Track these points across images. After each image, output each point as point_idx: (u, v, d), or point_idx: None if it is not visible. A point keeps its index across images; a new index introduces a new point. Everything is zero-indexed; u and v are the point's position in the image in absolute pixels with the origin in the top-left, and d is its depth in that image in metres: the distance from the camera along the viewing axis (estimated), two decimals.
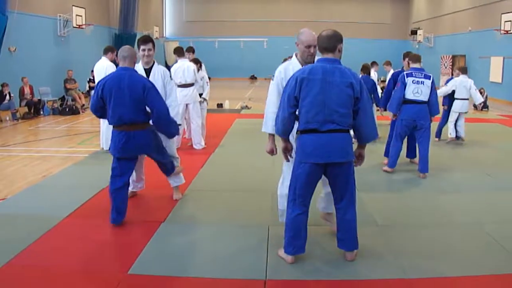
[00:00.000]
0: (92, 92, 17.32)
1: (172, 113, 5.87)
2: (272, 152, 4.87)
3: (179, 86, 9.09)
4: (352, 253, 4.44)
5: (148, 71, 6.11)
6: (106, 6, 24.14)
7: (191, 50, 10.19)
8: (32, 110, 15.44)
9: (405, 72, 7.66)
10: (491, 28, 21.41)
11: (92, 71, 12.83)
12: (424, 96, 7.47)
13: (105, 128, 9.13)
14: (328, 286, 4.05)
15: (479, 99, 10.79)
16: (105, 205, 5.71)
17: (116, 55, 9.46)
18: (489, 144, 10.55)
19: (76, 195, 6.40)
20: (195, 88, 9.55)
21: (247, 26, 35.57)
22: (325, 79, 4.08)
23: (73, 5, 19.78)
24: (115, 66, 8.63)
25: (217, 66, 31.11)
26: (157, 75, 6.10)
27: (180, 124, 6.42)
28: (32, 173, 7.95)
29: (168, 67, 7.87)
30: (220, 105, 17.59)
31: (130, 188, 5.95)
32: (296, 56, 4.83)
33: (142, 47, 6.07)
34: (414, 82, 7.46)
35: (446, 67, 26.71)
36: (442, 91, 10.46)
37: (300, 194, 4.29)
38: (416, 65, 7.67)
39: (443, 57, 27.37)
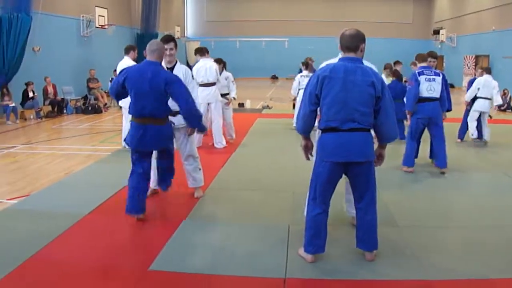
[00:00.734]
0: None
1: None
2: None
3: (201, 85, 9.12)
4: (371, 254, 4.41)
5: (170, 70, 6.11)
6: (128, 7, 24.33)
7: (206, 51, 10.14)
8: (55, 109, 15.66)
9: (417, 71, 7.73)
10: None
11: (115, 70, 12.97)
12: (436, 93, 7.61)
13: (127, 126, 9.19)
14: (347, 286, 4.04)
15: (499, 101, 10.64)
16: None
17: (138, 54, 9.60)
18: (511, 145, 10.41)
19: (98, 192, 6.47)
20: (216, 87, 9.58)
21: (268, 25, 35.57)
22: (346, 78, 4.07)
23: (95, 6, 20.01)
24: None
25: (238, 66, 31.08)
26: (179, 74, 6.11)
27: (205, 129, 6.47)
28: (55, 170, 8.05)
29: (190, 67, 7.90)
30: (241, 105, 17.63)
31: (151, 186, 5.99)
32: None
33: (164, 46, 6.08)
34: (426, 79, 7.58)
35: (469, 67, 26.38)
36: (469, 95, 10.35)
37: (321, 193, 4.28)
38: (424, 64, 7.78)
39: (466, 57, 27.04)
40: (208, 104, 9.49)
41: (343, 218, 5.28)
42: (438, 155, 7.71)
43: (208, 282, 4.10)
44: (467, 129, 10.63)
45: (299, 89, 11.39)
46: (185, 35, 35.72)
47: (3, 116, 13.91)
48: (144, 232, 5.24)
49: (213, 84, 9.44)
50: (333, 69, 4.14)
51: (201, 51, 9.56)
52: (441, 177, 7.57)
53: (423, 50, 9.01)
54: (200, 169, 6.39)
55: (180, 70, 6.16)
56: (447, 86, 7.90)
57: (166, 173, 5.80)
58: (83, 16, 19.01)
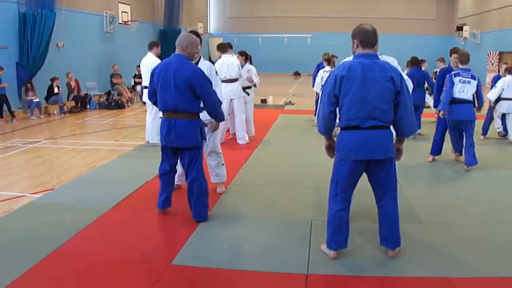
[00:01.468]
0: (137, 87, 17.64)
1: None
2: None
3: (223, 81, 9.10)
4: (394, 251, 4.39)
5: None
6: (151, 3, 24.47)
7: (229, 46, 10.13)
8: (79, 104, 15.80)
9: (453, 72, 7.75)
10: None
11: (138, 66, 13.07)
12: (469, 95, 7.64)
13: (150, 121, 9.27)
14: (370, 283, 4.01)
15: None
16: (150, 197, 5.83)
17: (161, 50, 9.63)
18: None
19: (122, 187, 6.52)
20: (239, 83, 9.58)
21: (290, 22, 35.52)
22: (364, 75, 4.00)
23: (119, 2, 20.17)
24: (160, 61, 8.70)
25: (260, 62, 30.90)
26: (203, 70, 6.09)
27: (224, 120, 6.46)
28: (79, 165, 8.13)
29: (213, 63, 7.90)
30: (264, 101, 17.62)
31: (175, 181, 6.00)
32: None
33: (196, 40, 6.03)
34: (461, 81, 7.62)
35: (492, 64, 26.05)
36: (493, 94, 10.23)
37: (342, 190, 4.25)
38: (465, 66, 7.78)
39: (490, 53, 26.73)
40: (231, 100, 9.50)
41: (366, 213, 5.26)
42: (466, 153, 7.71)
43: (230, 277, 4.11)
44: (489, 125, 10.64)
45: (322, 85, 11.33)
46: (208, 31, 35.81)
47: (28, 111, 14.10)
48: (167, 226, 5.28)
49: (235, 80, 9.43)
50: (350, 67, 4.05)
51: (223, 47, 9.52)
52: (464, 174, 7.51)
53: (447, 47, 8.97)
54: (223, 165, 6.41)
55: (204, 66, 6.12)
56: (479, 88, 7.91)
57: (194, 189, 5.29)
58: (106, 12, 19.17)
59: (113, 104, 16.61)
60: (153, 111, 9.05)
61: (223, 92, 7.84)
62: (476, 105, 7.91)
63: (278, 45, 33.62)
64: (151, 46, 9.46)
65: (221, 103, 5.53)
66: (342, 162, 4.20)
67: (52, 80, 14.74)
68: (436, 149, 8.18)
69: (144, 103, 10.30)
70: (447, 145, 8.24)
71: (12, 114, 13.36)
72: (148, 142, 9.50)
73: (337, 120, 4.26)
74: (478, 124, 10.26)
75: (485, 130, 10.64)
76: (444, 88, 7.87)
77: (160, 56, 9.04)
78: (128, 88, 18.25)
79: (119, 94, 17.60)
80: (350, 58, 4.71)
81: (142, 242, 4.82)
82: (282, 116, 14.09)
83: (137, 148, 9.47)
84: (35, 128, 12.31)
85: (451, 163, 8.16)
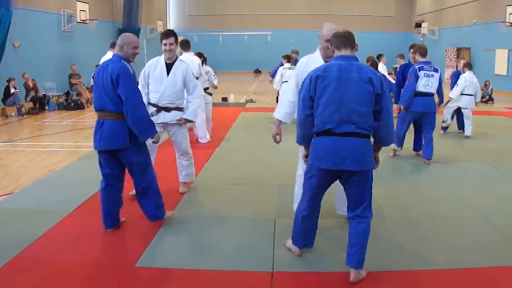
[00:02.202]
0: None
1: (191, 108, 5.94)
2: (276, 135, 4.83)
3: None
4: (357, 272, 3.93)
5: (169, 66, 5.97)
6: (110, 1, 24.12)
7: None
8: (37, 105, 15.47)
9: (417, 66, 7.87)
10: (496, 21, 21.31)
11: (97, 65, 12.85)
12: (433, 89, 7.83)
13: None
14: (335, 278, 4.05)
15: (479, 97, 10.92)
16: None
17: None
18: (494, 136, 10.55)
19: (82, 189, 6.42)
20: (199, 82, 9.52)
21: (251, 19, 35.47)
22: (341, 76, 3.80)
23: (77, 0, 19.79)
24: None
25: (221, 60, 31.06)
26: (178, 71, 5.95)
27: (193, 121, 6.44)
28: (38, 167, 7.97)
29: None
30: (225, 99, 17.57)
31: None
32: (320, 50, 4.78)
33: (164, 41, 5.89)
34: (425, 75, 7.77)
35: (451, 60, 26.58)
36: (455, 92, 10.32)
37: (311, 196, 4.10)
38: (425, 59, 7.95)
39: (448, 49, 27.27)
40: None
41: (333, 211, 5.31)
42: (425, 146, 7.90)
43: (195, 277, 4.09)
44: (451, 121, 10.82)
45: (282, 82, 11.36)
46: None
47: None
48: (130, 228, 5.21)
49: (195, 78, 9.35)
50: (326, 68, 3.89)
51: (187, 45, 9.38)
52: (426, 168, 7.69)
53: (406, 43, 9.13)
54: (193, 165, 6.44)
55: (180, 67, 6.01)
56: (440, 81, 8.07)
57: (147, 192, 5.08)
58: (64, 11, 18.78)
59: (72, 104, 16.31)
60: None
61: None
62: (437, 98, 8.09)
63: (238, 42, 33.55)
64: (112, 45, 9.35)
65: (144, 105, 4.95)
66: (313, 169, 3.99)
67: (9, 81, 14.37)
68: (398, 143, 8.23)
69: None
70: (410, 139, 8.41)
71: None
72: None
73: None
74: (438, 120, 10.51)
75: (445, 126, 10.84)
76: (406, 82, 7.99)
77: None
78: (87, 88, 17.94)
79: (78, 94, 17.30)
80: (312, 54, 4.76)
81: (105, 244, 4.77)
82: (243, 114, 14.08)
83: None
84: None
85: (413, 158, 8.36)
